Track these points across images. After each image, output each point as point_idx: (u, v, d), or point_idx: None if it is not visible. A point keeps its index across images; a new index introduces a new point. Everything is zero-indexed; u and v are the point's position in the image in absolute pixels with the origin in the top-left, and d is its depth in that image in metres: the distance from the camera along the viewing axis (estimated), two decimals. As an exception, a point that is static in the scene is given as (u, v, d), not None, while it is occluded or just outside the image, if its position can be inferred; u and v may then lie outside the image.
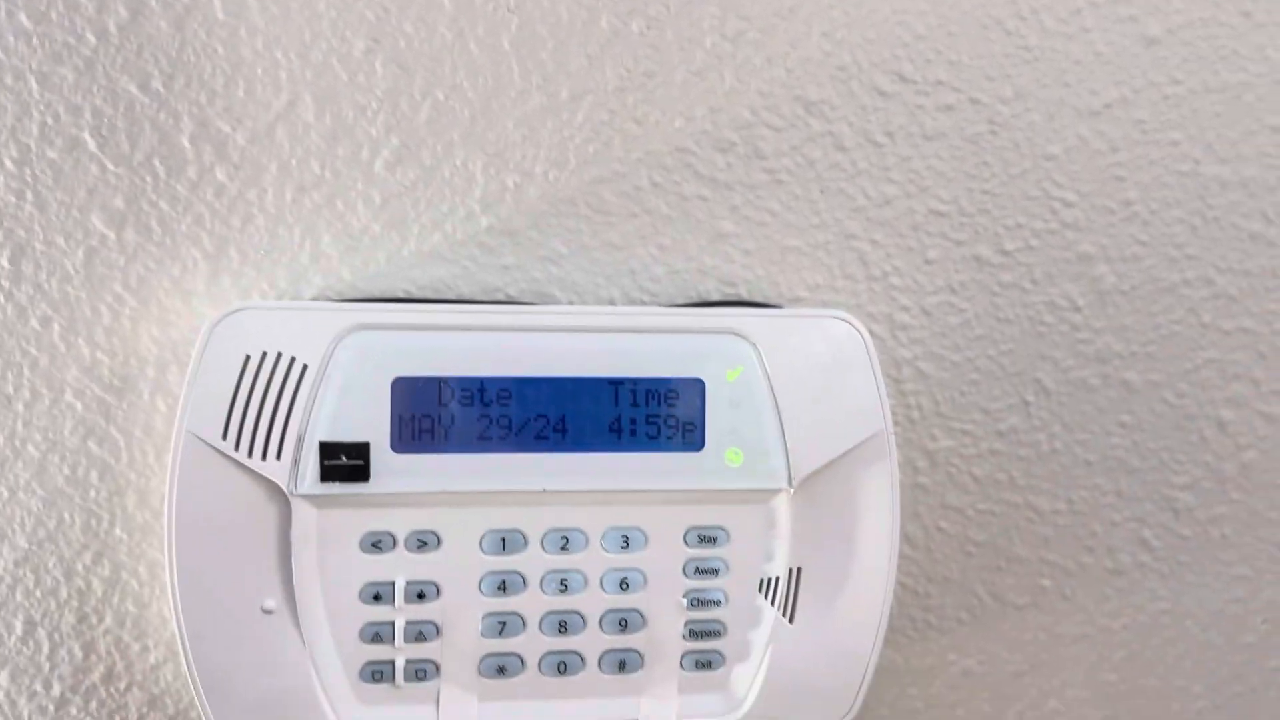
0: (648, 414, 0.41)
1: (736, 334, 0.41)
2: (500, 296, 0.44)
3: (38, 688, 0.43)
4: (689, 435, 0.41)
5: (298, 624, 0.40)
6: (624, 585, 0.41)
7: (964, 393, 0.48)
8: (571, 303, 0.45)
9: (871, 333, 0.47)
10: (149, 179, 0.42)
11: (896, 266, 0.47)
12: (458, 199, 0.44)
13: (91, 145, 0.42)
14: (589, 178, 0.44)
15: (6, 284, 0.42)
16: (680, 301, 0.45)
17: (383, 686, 0.41)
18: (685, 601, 0.42)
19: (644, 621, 0.42)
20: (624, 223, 0.45)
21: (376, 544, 0.40)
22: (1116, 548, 0.50)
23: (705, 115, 0.45)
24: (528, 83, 0.44)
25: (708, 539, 0.42)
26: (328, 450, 0.39)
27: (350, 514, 0.40)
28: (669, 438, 0.41)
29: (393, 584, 0.40)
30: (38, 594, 0.43)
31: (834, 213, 0.46)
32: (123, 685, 0.44)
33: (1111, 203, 0.47)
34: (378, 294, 0.43)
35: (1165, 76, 0.47)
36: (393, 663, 0.41)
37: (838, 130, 0.46)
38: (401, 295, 0.44)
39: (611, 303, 0.45)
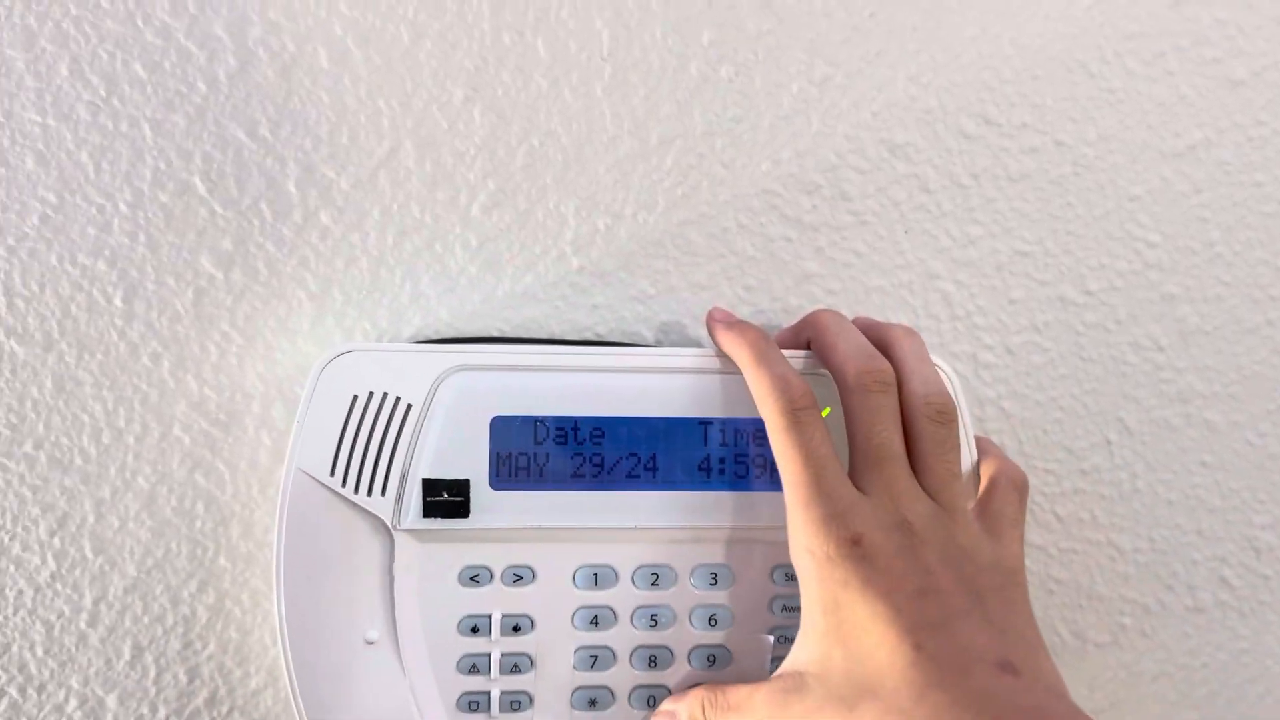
0: (736, 453, 0.42)
1: (824, 375, 0.42)
2: (590, 335, 0.45)
3: (144, 711, 0.45)
4: (777, 475, 0.42)
5: (399, 655, 0.41)
6: (712, 621, 0.42)
7: (1047, 431, 0.48)
8: (659, 341, 0.46)
9: (955, 372, 0.47)
10: (256, 222, 0.44)
11: (980, 306, 0.47)
12: (550, 241, 0.45)
13: (201, 189, 0.44)
14: (677, 220, 0.45)
15: (120, 322, 0.44)
16: (769, 342, 0.46)
17: (479, 717, 0.42)
18: (772, 638, 0.42)
19: (731, 657, 0.42)
20: (710, 263, 0.46)
21: (474, 578, 0.41)
22: (1197, 586, 0.50)
23: (791, 158, 0.46)
24: (619, 128, 0.45)
25: (794, 577, 0.42)
26: (430, 487, 0.40)
27: (450, 548, 0.41)
28: (757, 477, 0.41)
29: (489, 617, 0.41)
30: (145, 620, 0.45)
31: (918, 253, 0.47)
32: (225, 709, 0.45)
33: (1195, 243, 0.47)
34: (473, 333, 0.45)
35: (1250, 118, 0.47)
36: (489, 694, 0.42)
37: (923, 172, 0.46)
38: (496, 334, 0.45)
39: (699, 343, 0.46)
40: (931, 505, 0.38)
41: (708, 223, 0.45)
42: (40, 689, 0.44)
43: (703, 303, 0.46)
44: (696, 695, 0.40)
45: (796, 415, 0.38)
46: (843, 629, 0.35)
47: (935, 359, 0.42)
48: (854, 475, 0.38)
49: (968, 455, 0.42)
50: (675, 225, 0.45)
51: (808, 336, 0.42)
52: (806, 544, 0.36)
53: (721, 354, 0.41)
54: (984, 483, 0.41)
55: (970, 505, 0.40)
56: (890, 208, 0.46)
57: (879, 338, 0.41)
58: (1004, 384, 0.48)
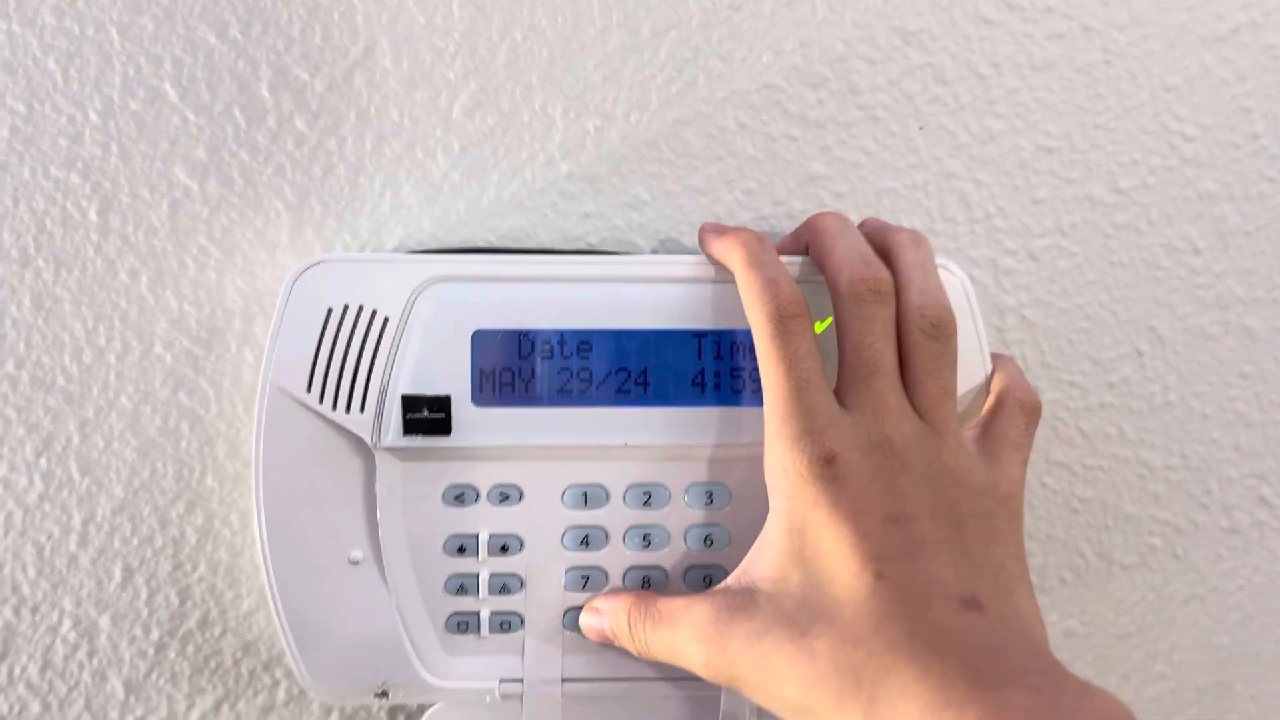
0: (732, 367, 0.39)
1: (823, 282, 0.39)
2: (582, 245, 0.43)
3: (137, 632, 0.45)
4: (776, 388, 0.40)
5: (384, 575, 0.40)
6: (708, 542, 0.40)
7: (1073, 341, 0.45)
8: (655, 251, 0.43)
9: (973, 279, 0.44)
10: (229, 129, 0.42)
11: (1001, 208, 0.44)
12: (537, 144, 0.42)
13: (172, 96, 0.42)
14: (672, 119, 0.42)
15: (95, 237, 0.42)
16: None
17: (468, 637, 0.41)
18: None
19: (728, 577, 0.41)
20: (709, 166, 0.43)
21: (459, 497, 0.40)
22: (1233, 505, 0.47)
23: (795, 49, 0.42)
24: (608, 20, 0.42)
25: (796, 495, 0.40)
26: (409, 403, 0.38)
27: (433, 467, 0.40)
28: (754, 391, 0.39)
29: (476, 537, 0.40)
30: (134, 542, 0.44)
31: (934, 151, 0.43)
32: (217, 631, 0.45)
33: (1237, 136, 0.44)
34: (458, 244, 0.43)
35: (1303, -5, 0.43)
36: (477, 614, 0.41)
37: (939, 62, 0.43)
38: (482, 245, 0.43)
39: (696, 251, 0.43)
40: (919, 424, 0.35)
41: (705, 122, 0.43)
42: (34, 610, 0.44)
43: (700, 209, 0.43)
44: (624, 605, 0.38)
45: (784, 323, 0.35)
46: (805, 551, 0.34)
47: (949, 264, 0.39)
48: (840, 390, 0.36)
49: (982, 370, 0.40)
50: (670, 125, 0.43)
51: (807, 240, 0.39)
52: (780, 459, 0.34)
53: (718, 262, 0.39)
54: (991, 400, 0.38)
55: (973, 424, 0.38)
56: (903, 101, 0.43)
57: (883, 243, 0.38)
58: (1026, 291, 0.45)
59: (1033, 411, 0.38)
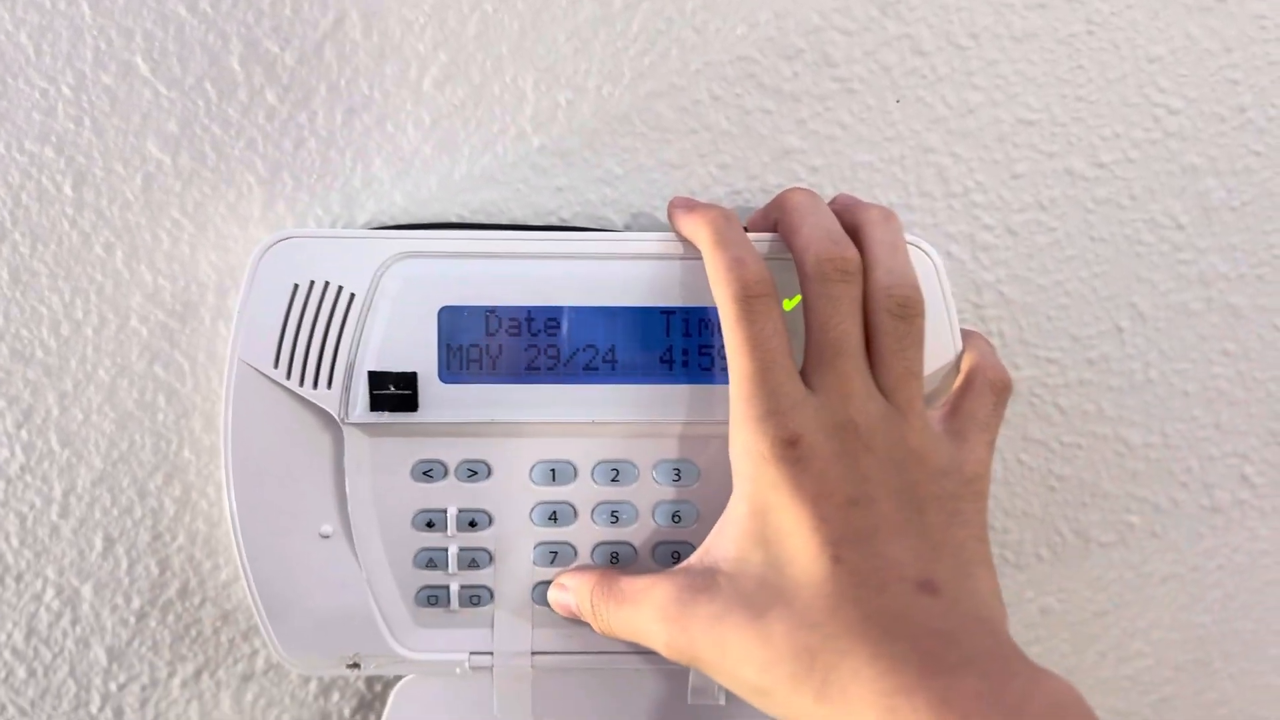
0: (700, 344, 0.39)
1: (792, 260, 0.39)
2: (554, 220, 0.43)
3: (119, 601, 0.45)
4: (745, 366, 0.39)
5: (354, 549, 0.40)
6: (676, 518, 0.40)
7: (1051, 318, 0.45)
8: (628, 226, 0.43)
9: (950, 254, 0.44)
10: (201, 103, 0.42)
11: (980, 182, 0.43)
12: (508, 118, 0.42)
13: (144, 69, 0.41)
14: (644, 92, 0.42)
15: (71, 211, 0.42)
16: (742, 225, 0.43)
17: (438, 610, 0.41)
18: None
19: (697, 554, 0.41)
20: (682, 140, 0.42)
21: (428, 472, 0.40)
22: (1214, 484, 0.47)
23: (770, 20, 0.42)
24: (579, -8, 0.41)
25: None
26: (376, 380, 0.39)
27: (401, 442, 0.40)
28: (722, 369, 0.39)
29: (445, 512, 0.40)
30: (114, 512, 0.44)
31: (911, 124, 0.43)
32: (197, 601, 0.45)
33: (1223, 109, 0.43)
34: (430, 219, 0.43)
35: (1295, -37, 0.42)
36: (447, 588, 0.41)
37: (916, 33, 0.42)
38: (454, 220, 0.43)
39: (668, 227, 0.43)
40: (884, 405, 0.35)
41: (678, 95, 0.42)
42: (18, 579, 0.45)
43: (674, 183, 0.43)
44: (587, 584, 0.38)
45: (749, 303, 0.35)
46: (766, 532, 0.34)
47: (920, 242, 0.39)
48: (806, 371, 0.35)
49: (952, 349, 0.39)
50: (642, 98, 0.42)
51: (776, 217, 0.39)
52: (743, 441, 0.34)
53: (687, 240, 0.39)
54: (960, 379, 0.38)
55: (940, 404, 0.38)
56: (880, 74, 0.42)
57: (852, 220, 0.38)
58: (1004, 267, 0.44)
59: (1003, 390, 0.37)
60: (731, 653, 0.33)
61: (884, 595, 0.32)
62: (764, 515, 0.34)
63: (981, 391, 0.37)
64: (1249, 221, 0.44)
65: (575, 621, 0.41)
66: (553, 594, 0.40)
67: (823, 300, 0.35)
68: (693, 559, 0.36)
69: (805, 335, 0.36)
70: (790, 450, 0.33)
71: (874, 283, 0.36)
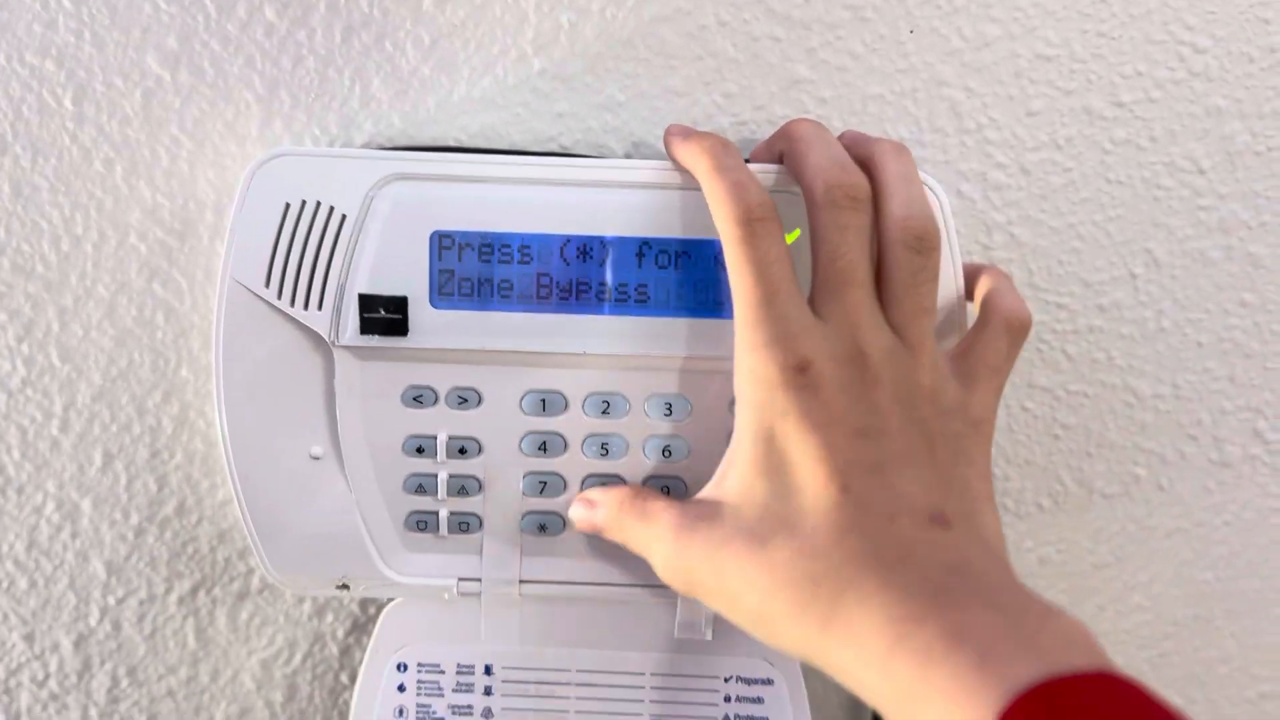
0: (696, 278, 0.38)
1: (797, 193, 0.38)
2: (554, 147, 0.42)
3: (117, 516, 0.46)
4: (741, 301, 0.39)
5: (344, 472, 0.40)
6: (666, 453, 0.40)
7: (1062, 262, 0.43)
8: (629, 154, 0.42)
9: (961, 193, 0.43)
10: (200, 17, 0.41)
11: (994, 118, 0.42)
12: (509, 39, 0.41)
13: (143, -19, 0.41)
14: (649, 16, 0.41)
15: (71, 125, 0.42)
16: (744, 156, 0.42)
17: (427, 536, 0.42)
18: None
19: (686, 490, 0.40)
20: (687, 66, 0.41)
21: (418, 398, 0.40)
22: (1224, 438, 0.45)
23: (782, -55, 0.40)
24: (585, -90, 0.40)
25: (757, 409, 0.40)
26: (366, 303, 0.38)
27: (391, 367, 0.40)
28: (718, 303, 0.38)
29: (434, 438, 0.40)
30: (114, 428, 0.45)
31: (924, 56, 0.41)
32: (194, 519, 0.46)
33: (1252, 49, 0.41)
34: (427, 141, 0.42)
35: (1339, -107, 0.40)
36: (436, 514, 0.41)
37: (933, -38, 0.40)
38: (452, 144, 0.42)
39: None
40: (893, 339, 0.34)
41: (684, 19, 0.41)
42: (19, 491, 0.45)
43: (677, 111, 0.42)
44: (618, 497, 0.38)
45: (751, 226, 0.34)
46: (771, 460, 0.33)
47: (929, 180, 0.37)
48: (813, 300, 0.35)
49: (955, 290, 0.38)
50: (647, 22, 0.41)
51: (781, 149, 0.38)
52: (750, 366, 0.34)
53: (684, 168, 0.38)
54: (978, 317, 0.37)
55: (950, 343, 0.37)
56: (894, 3, 0.41)
57: (863, 154, 0.37)
58: (1016, 208, 0.43)
59: (1019, 330, 0.36)
60: (731, 580, 0.33)
61: (893, 526, 0.31)
62: (770, 443, 0.33)
63: (996, 333, 0.36)
64: (1274, 168, 0.42)
65: (563, 551, 0.41)
66: (575, 510, 0.39)
67: (832, 229, 0.34)
68: (704, 491, 0.36)
69: (813, 265, 0.35)
70: (799, 376, 0.33)
71: (888, 214, 0.35)
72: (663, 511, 0.36)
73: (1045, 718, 0.26)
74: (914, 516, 0.31)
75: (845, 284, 0.34)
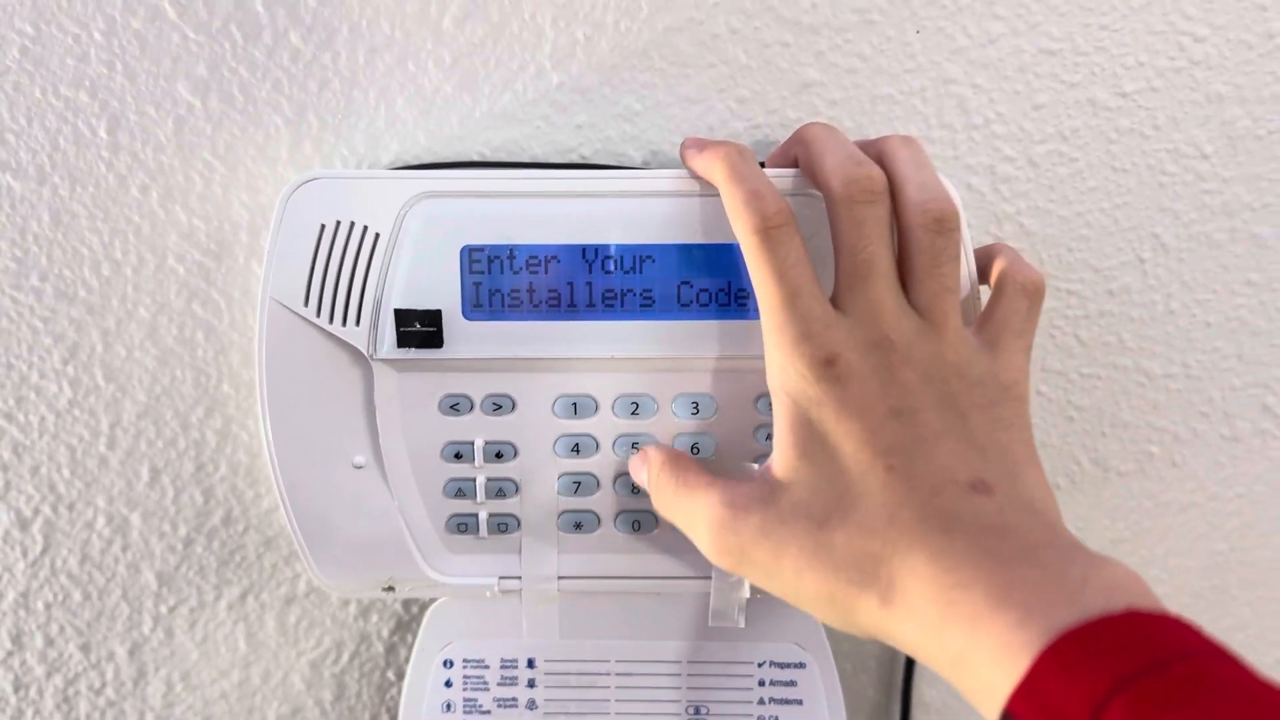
0: (718, 281, 0.40)
1: (814, 195, 0.39)
2: (574, 158, 0.43)
3: (166, 528, 0.47)
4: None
5: (386, 479, 0.42)
6: (695, 450, 0.41)
7: (1072, 249, 0.45)
8: (647, 162, 0.43)
9: (970, 186, 0.44)
10: (227, 45, 0.42)
11: (1000, 113, 0.43)
12: (528, 55, 0.42)
13: (171, 14, 0.42)
14: (662, 26, 0.42)
15: (106, 154, 0.43)
16: (761, 161, 0.43)
17: (468, 538, 0.43)
18: (757, 466, 0.42)
19: (716, 485, 0.42)
20: (701, 74, 0.43)
21: (455, 406, 0.41)
22: (1235, 414, 0.47)
23: (789, -47, 0.41)
24: (597, -73, 0.41)
25: (781, 405, 0.41)
26: (402, 317, 0.40)
27: (428, 377, 0.41)
28: (740, 304, 0.40)
29: (472, 444, 0.42)
30: (159, 444, 0.46)
31: (931, 55, 0.42)
32: (240, 528, 0.48)
33: (1251, 36, 0.42)
34: (453, 157, 0.43)
35: (1331, -119, 0.41)
36: (476, 516, 0.43)
37: (937, -37, 0.42)
38: (476, 159, 0.43)
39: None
40: (918, 321, 0.35)
41: (696, 28, 0.42)
42: (70, 507, 0.47)
43: (693, 118, 0.43)
44: (657, 460, 0.39)
45: (769, 234, 0.35)
46: (813, 446, 0.34)
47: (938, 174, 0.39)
48: (837, 295, 0.36)
49: (968, 277, 0.39)
50: (661, 33, 0.42)
51: (796, 153, 0.39)
52: (780, 365, 0.35)
53: (702, 178, 0.39)
54: (992, 286, 0.38)
55: (972, 320, 0.38)
56: (899, 4, 0.42)
57: (874, 150, 0.38)
58: (1025, 199, 0.44)
59: (1035, 292, 0.37)
60: (788, 561, 0.33)
61: (939, 498, 0.32)
62: (810, 435, 0.34)
63: (1014, 296, 0.37)
64: (1275, 150, 0.43)
65: (599, 548, 0.43)
66: (633, 463, 0.41)
67: (851, 224, 0.36)
68: (748, 476, 0.37)
69: (835, 260, 0.36)
70: (828, 369, 0.34)
71: (906, 199, 0.36)
72: (709, 487, 0.36)
73: (1077, 658, 0.27)
74: (956, 487, 0.32)
75: (867, 276, 0.35)
